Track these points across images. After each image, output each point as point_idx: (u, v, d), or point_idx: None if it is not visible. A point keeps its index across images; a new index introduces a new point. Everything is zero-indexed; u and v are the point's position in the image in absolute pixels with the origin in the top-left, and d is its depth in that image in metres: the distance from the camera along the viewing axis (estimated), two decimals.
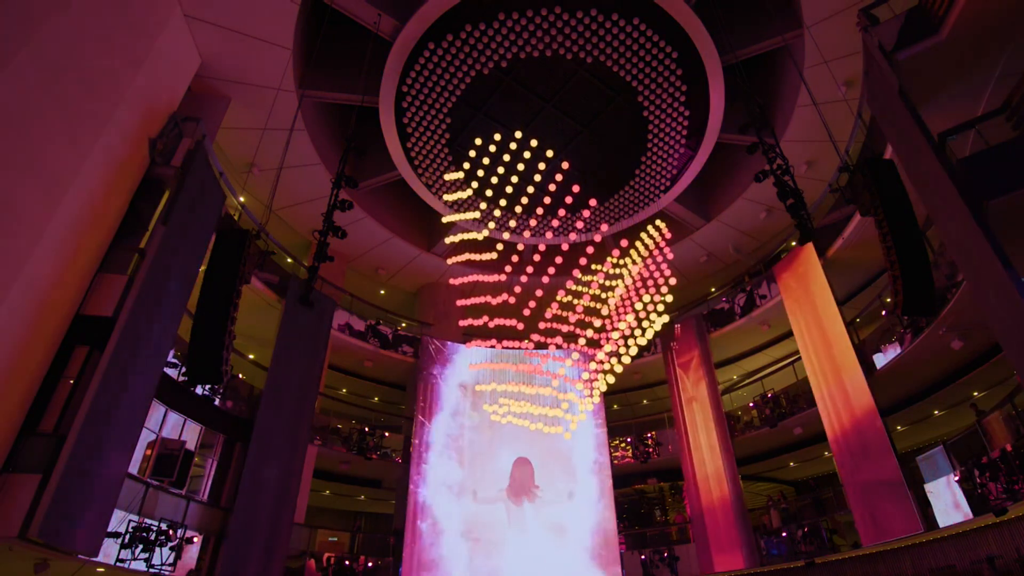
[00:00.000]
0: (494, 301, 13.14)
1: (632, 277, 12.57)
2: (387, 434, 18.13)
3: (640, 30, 13.66)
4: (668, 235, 13.11)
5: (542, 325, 13.03)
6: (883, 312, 14.24)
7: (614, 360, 12.19)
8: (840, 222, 15.06)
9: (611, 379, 12.38)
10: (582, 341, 12.54)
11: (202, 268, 11.94)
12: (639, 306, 12.06)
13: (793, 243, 16.34)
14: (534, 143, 12.31)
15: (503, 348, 15.06)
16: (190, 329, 9.33)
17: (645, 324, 12.04)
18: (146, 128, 11.10)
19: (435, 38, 13.77)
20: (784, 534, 15.06)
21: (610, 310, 12.77)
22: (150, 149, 11.21)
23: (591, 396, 12.74)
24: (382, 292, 22.48)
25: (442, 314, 21.55)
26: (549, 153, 12.16)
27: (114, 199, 10.30)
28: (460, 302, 13.62)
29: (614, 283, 12.78)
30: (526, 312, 13.26)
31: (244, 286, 9.76)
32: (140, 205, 10.94)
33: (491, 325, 13.42)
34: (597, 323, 12.58)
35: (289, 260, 17.28)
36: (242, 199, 16.29)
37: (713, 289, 21.06)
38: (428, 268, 21.33)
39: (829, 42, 13.28)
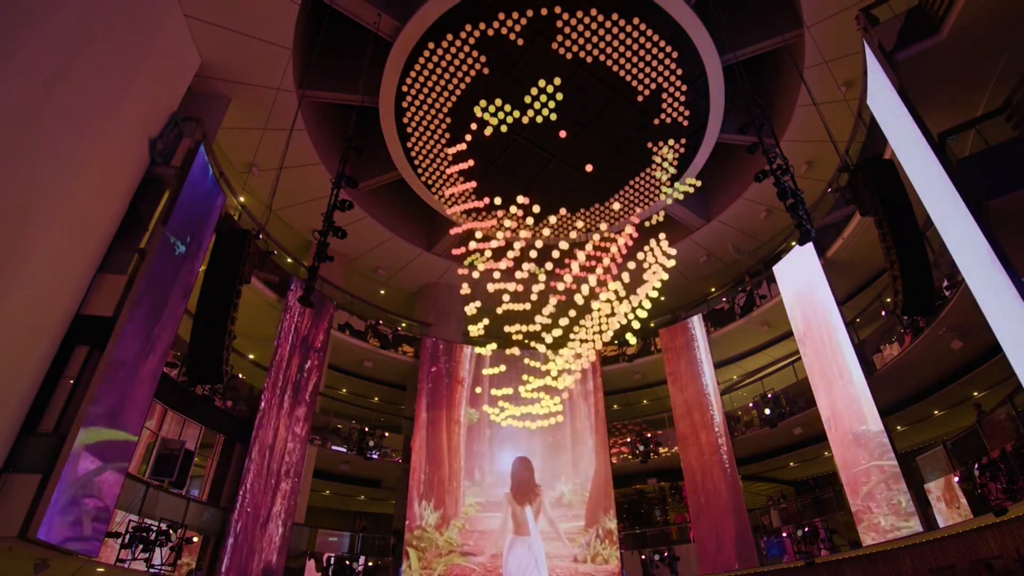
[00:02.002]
0: (516, 301, 13.26)
1: (628, 240, 12.86)
2: (387, 434, 18.14)
3: (640, 30, 13.65)
4: (671, 252, 13.29)
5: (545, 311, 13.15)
6: (883, 312, 14.23)
7: (606, 316, 12.41)
8: (840, 222, 15.05)
9: (607, 337, 12.92)
10: (578, 297, 12.79)
11: (202, 268, 11.94)
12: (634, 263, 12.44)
13: (793, 243, 16.33)
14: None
15: (505, 340, 15.09)
16: (190, 329, 9.34)
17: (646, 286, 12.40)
18: (146, 128, 11.09)
19: (435, 38, 13.77)
20: (784, 534, 15.05)
21: (605, 267, 13.01)
22: (150, 149, 11.19)
23: (586, 355, 12.95)
24: (382, 292, 22.48)
25: (442, 314, 21.55)
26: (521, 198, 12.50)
27: (114, 199, 10.29)
28: (469, 307, 13.64)
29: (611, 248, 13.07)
30: (517, 307, 13.37)
31: (244, 286, 9.75)
32: (140, 205, 10.92)
33: (496, 326, 13.55)
34: (593, 280, 12.82)
35: (289, 260, 17.28)
36: (242, 199, 16.28)
37: (713, 289, 21.07)
38: (428, 268, 21.32)
39: (829, 42, 13.27)
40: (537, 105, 13.32)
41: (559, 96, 13.22)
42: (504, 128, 13.78)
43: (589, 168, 13.07)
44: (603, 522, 17.69)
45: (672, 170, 14.65)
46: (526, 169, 16.64)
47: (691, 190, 14.88)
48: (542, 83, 13.18)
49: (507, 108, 13.51)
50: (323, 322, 17.11)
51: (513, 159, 16.38)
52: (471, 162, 14.34)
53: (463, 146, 13.55)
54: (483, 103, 13.42)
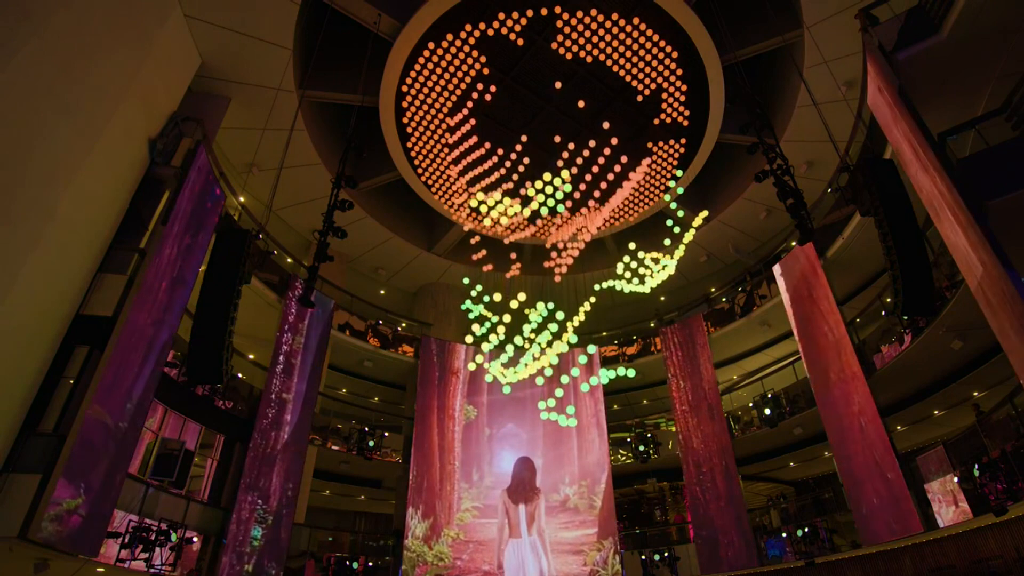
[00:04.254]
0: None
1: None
2: (387, 434, 18.12)
3: (640, 30, 13.67)
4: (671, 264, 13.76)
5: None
6: (883, 312, 14.23)
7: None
8: (840, 222, 15.04)
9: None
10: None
11: (202, 268, 11.94)
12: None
13: (793, 243, 16.34)
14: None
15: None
16: (190, 329, 9.33)
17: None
18: (146, 128, 11.10)
19: (435, 38, 13.77)
20: (784, 534, 15.05)
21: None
22: (150, 149, 11.20)
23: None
24: (382, 292, 22.48)
25: (442, 314, 21.55)
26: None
27: (114, 199, 10.30)
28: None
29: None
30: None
31: (244, 286, 9.75)
32: (140, 205, 10.93)
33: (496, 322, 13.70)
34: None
35: (289, 260, 17.27)
36: (242, 199, 16.28)
37: (713, 289, 21.06)
38: (428, 268, 21.33)
39: (829, 42, 13.27)
40: (540, 198, 13.34)
41: (567, 187, 13.29)
42: (504, 220, 13.78)
43: (581, 104, 13.38)
44: (596, 517, 16.64)
45: (680, 212, 14.97)
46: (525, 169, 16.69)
47: (700, 221, 15.04)
48: (548, 176, 13.20)
49: (506, 201, 13.58)
50: (323, 322, 17.01)
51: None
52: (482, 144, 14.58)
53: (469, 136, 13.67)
54: (481, 195, 13.48)
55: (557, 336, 13.75)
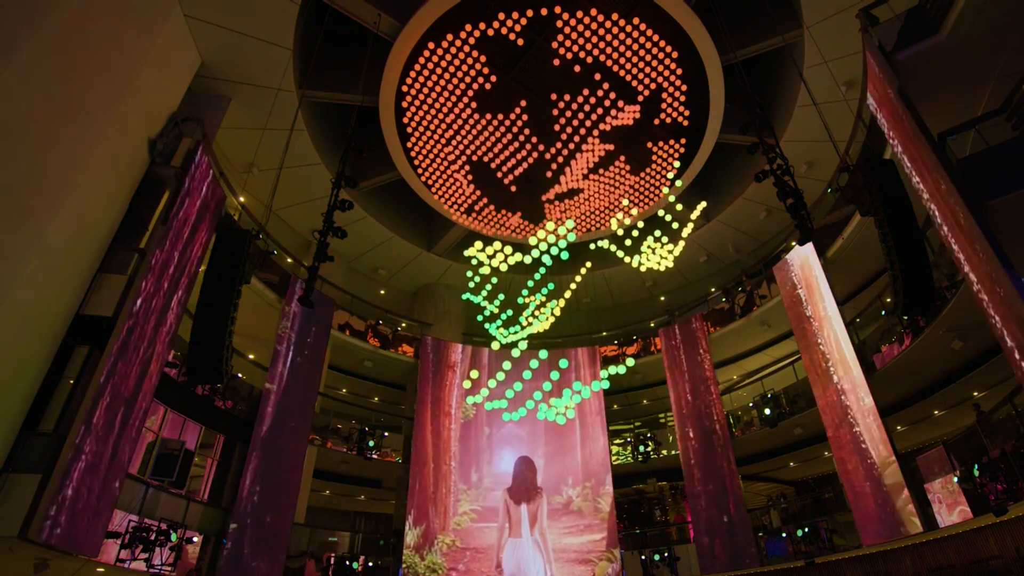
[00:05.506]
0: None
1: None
2: (387, 434, 18.12)
3: (640, 30, 13.67)
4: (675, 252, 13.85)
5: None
6: (883, 312, 14.23)
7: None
8: (840, 222, 15.04)
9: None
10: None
11: (202, 268, 11.94)
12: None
13: (793, 243, 16.34)
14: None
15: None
16: (190, 329, 9.34)
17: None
18: (146, 128, 11.10)
19: (435, 38, 13.77)
20: (784, 534, 15.05)
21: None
22: (150, 149, 11.20)
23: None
24: (382, 292, 22.48)
25: (442, 314, 21.54)
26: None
27: (114, 199, 10.29)
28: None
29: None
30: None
31: (244, 286, 9.76)
32: (140, 205, 10.93)
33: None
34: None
35: (289, 260, 17.27)
36: (242, 199, 16.27)
37: (713, 289, 21.06)
38: (428, 268, 21.32)
39: (829, 42, 13.27)
40: (543, 246, 13.22)
41: (572, 236, 13.16)
42: (504, 267, 13.57)
43: (577, 69, 13.51)
44: (596, 517, 16.22)
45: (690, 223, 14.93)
46: (526, 173, 16.71)
47: (699, 213, 15.04)
48: (550, 226, 13.09)
49: (507, 250, 13.43)
50: (323, 322, 16.97)
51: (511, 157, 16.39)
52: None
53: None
54: (479, 244, 13.40)
55: (554, 296, 13.75)
